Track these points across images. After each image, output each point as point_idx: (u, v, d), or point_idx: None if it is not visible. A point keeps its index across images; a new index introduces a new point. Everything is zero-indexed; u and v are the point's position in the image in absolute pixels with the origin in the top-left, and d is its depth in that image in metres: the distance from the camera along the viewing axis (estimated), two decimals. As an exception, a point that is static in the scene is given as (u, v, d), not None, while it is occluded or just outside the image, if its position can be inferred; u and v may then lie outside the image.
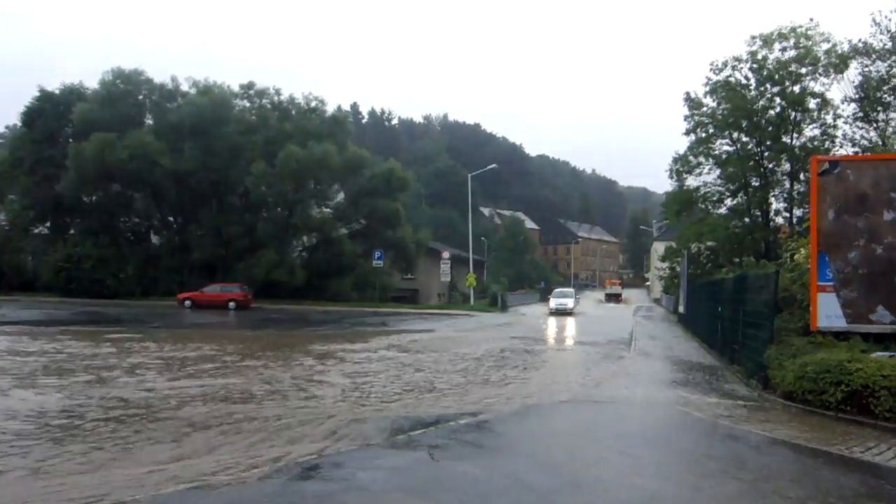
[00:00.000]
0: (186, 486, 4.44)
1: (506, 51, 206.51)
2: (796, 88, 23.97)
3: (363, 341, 16.39)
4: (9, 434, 5.87)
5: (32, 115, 35.72)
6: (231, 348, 13.79)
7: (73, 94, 35.94)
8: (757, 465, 5.53)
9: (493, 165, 48.97)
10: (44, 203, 35.01)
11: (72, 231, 36.40)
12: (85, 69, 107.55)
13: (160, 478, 4.63)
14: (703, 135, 26.02)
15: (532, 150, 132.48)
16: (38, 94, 36.05)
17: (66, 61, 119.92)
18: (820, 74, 23.51)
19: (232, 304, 29.35)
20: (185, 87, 37.95)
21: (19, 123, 36.98)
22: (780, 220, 25.89)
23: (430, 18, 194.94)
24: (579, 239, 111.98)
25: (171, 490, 4.36)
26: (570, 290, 42.16)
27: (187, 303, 29.30)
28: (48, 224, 36.94)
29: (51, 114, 35.36)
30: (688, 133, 26.46)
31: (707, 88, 25.37)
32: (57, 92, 36.33)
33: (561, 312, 32.73)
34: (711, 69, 25.15)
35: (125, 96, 36.27)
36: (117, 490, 4.34)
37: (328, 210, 38.28)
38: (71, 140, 34.90)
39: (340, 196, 38.75)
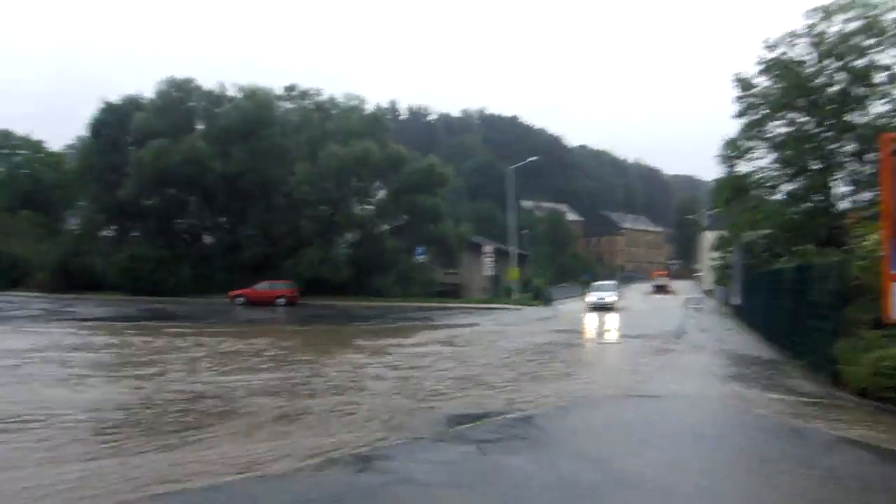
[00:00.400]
0: (245, 475, 4.64)
1: (542, 42, 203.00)
2: (860, 62, 22.38)
3: (410, 336, 16.59)
4: (104, 424, 6.40)
5: (98, 126, 38.04)
6: (284, 343, 14.26)
7: (132, 105, 38.01)
8: (826, 466, 5.22)
9: (534, 158, 48.08)
10: (109, 208, 37.27)
11: (135, 234, 38.60)
12: (141, 81, 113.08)
13: (220, 467, 4.84)
14: (756, 117, 24.72)
15: (572, 140, 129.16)
16: (102, 105, 38.39)
17: (123, 73, 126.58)
18: (888, 45, 21.86)
19: (281, 301, 30.34)
20: (231, 93, 39.29)
21: (88, 134, 39.43)
22: (843, 204, 24.31)
23: (465, 12, 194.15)
24: (623, 230, 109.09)
25: (229, 478, 4.56)
26: (612, 282, 39.07)
27: (239, 300, 30.51)
28: (114, 227, 39.31)
29: (114, 124, 37.50)
30: (738, 116, 25.11)
31: (760, 67, 24.08)
32: (118, 103, 38.52)
33: (600, 307, 30.42)
34: (765, 46, 23.83)
35: (177, 104, 37.96)
36: (182, 477, 4.57)
37: (370, 207, 38.84)
38: (131, 148, 36.89)
39: (382, 193, 39.20)
